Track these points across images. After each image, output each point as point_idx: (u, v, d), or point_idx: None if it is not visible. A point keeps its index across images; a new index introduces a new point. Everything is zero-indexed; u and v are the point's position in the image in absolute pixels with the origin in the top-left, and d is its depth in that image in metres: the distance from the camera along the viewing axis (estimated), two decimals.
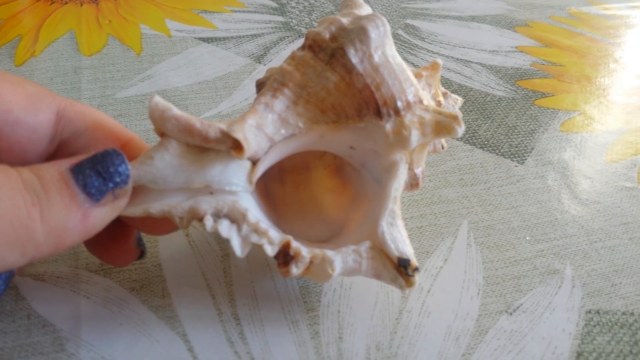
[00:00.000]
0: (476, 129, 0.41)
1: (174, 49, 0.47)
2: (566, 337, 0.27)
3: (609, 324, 0.28)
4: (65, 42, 0.47)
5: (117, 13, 0.51)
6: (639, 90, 0.48)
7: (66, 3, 0.52)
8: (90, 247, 0.26)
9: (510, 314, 0.28)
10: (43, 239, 0.19)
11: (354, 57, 0.23)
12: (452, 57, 0.50)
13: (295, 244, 0.23)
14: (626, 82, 0.49)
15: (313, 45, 0.24)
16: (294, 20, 0.53)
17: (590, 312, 0.29)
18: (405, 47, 0.51)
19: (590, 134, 0.41)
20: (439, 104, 0.28)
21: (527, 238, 0.32)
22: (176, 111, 0.21)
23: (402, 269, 0.24)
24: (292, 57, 0.25)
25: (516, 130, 0.41)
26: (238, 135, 0.21)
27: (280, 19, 0.54)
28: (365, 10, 0.26)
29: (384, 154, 0.25)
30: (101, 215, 0.20)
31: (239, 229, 0.22)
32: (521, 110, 0.43)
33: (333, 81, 0.23)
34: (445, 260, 0.30)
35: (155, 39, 0.48)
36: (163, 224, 0.25)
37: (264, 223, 0.23)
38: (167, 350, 0.25)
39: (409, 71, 0.25)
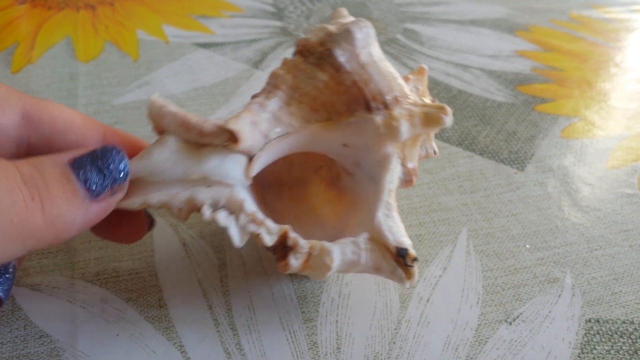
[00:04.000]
0: (475, 135, 0.41)
1: (171, 55, 0.47)
2: (566, 346, 0.27)
3: (609, 333, 0.28)
4: (62, 48, 0.46)
5: (114, 19, 0.51)
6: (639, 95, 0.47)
7: (63, 9, 0.52)
8: (100, 232, 0.26)
9: (510, 323, 0.28)
10: (44, 232, 0.20)
11: (341, 57, 0.24)
12: (451, 62, 0.49)
13: (292, 234, 0.23)
14: (627, 87, 0.48)
15: (303, 50, 0.25)
16: (291, 25, 0.53)
17: (590, 321, 0.28)
18: (404, 51, 0.50)
19: (590, 140, 0.41)
20: None
21: (527, 246, 0.32)
22: (173, 107, 0.22)
23: (401, 259, 0.24)
24: (284, 62, 0.25)
25: (516, 137, 0.41)
26: (233, 127, 0.22)
27: (278, 23, 0.53)
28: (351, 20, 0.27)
29: (375, 148, 0.25)
30: (99, 209, 0.21)
31: (237, 219, 0.23)
32: (521, 115, 0.43)
33: (323, 80, 0.24)
34: (445, 268, 0.30)
35: (153, 45, 0.48)
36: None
37: (261, 214, 0.23)
38: None
39: (394, 70, 0.26)
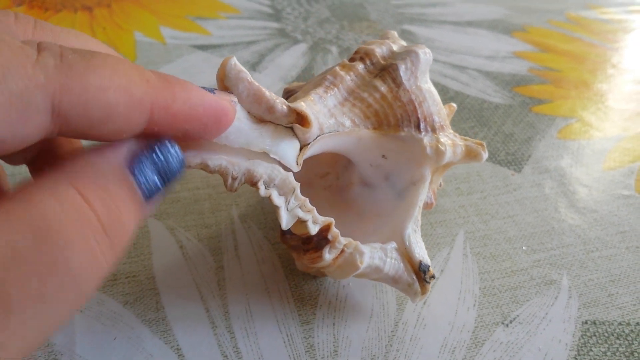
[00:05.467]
0: (473, 136, 0.41)
1: (169, 57, 0.47)
2: (562, 348, 0.27)
3: (605, 334, 0.28)
4: None
5: (111, 20, 0.51)
6: (637, 95, 0.47)
7: (60, 10, 0.52)
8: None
9: (507, 325, 0.28)
10: None
11: (404, 74, 0.26)
12: (448, 63, 0.50)
13: (335, 229, 0.24)
14: (624, 88, 0.48)
15: (365, 58, 0.27)
16: (289, 27, 0.53)
17: (586, 322, 0.28)
18: None
19: (587, 141, 0.41)
20: None
21: (524, 248, 0.32)
22: (250, 76, 0.22)
23: (421, 274, 0.25)
24: (343, 65, 0.26)
25: (513, 138, 0.41)
26: (306, 110, 0.23)
27: (276, 25, 0.53)
28: (413, 44, 0.29)
29: (416, 166, 0.26)
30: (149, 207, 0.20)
31: (286, 202, 0.23)
32: (518, 117, 0.43)
33: (381, 91, 0.26)
34: (442, 271, 0.30)
35: (150, 47, 0.48)
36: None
37: (309, 203, 0.24)
38: None
39: (440, 100, 0.28)
